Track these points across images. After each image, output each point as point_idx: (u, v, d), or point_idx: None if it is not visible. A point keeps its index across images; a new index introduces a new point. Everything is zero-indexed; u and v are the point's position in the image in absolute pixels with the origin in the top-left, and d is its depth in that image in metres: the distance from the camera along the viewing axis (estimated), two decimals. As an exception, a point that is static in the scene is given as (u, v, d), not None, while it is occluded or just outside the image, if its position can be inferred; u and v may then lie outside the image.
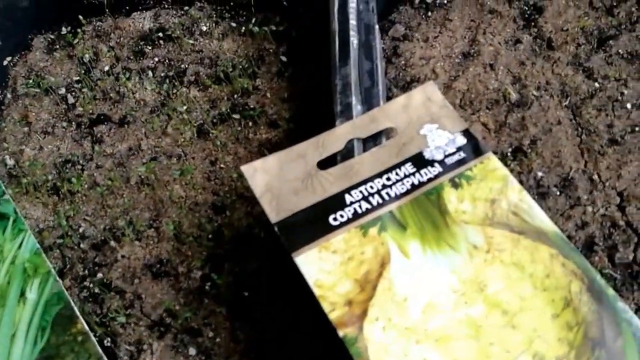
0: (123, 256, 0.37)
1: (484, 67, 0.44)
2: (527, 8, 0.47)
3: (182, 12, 0.47)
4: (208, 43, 0.46)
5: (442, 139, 0.34)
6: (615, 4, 0.47)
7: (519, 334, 0.28)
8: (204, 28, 0.47)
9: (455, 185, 0.33)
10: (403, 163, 0.33)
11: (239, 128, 0.42)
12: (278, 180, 0.32)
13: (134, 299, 0.36)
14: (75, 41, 0.46)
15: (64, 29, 0.47)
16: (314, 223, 0.31)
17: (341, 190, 0.32)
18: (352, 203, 0.32)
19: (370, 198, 0.32)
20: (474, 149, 0.34)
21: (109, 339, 0.34)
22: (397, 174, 0.33)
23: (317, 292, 0.29)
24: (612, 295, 0.30)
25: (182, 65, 0.45)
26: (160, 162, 0.41)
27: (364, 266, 0.30)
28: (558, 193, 0.39)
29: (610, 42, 0.45)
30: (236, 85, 0.43)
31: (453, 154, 0.34)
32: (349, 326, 0.28)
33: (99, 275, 0.37)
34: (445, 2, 0.48)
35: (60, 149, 0.42)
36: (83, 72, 0.45)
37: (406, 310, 0.29)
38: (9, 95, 0.44)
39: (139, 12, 0.47)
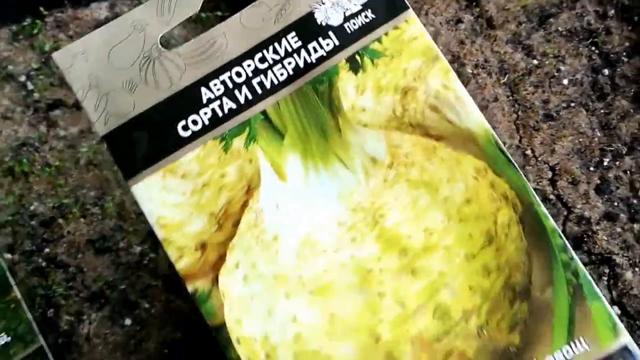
0: (69, 232, 0.39)
1: (424, 47, 0.45)
2: (471, -11, 0.48)
3: (137, 1, 0.49)
4: (161, 30, 0.48)
5: None
6: (557, -18, 0.47)
7: (419, 282, 0.22)
8: (158, 16, 0.48)
9: (355, 67, 0.23)
10: (285, 33, 0.24)
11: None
12: (106, 69, 0.23)
13: (76, 272, 0.38)
14: (36, 31, 0.48)
15: (26, 20, 0.49)
16: (156, 134, 0.23)
17: (195, 81, 0.23)
18: (210, 101, 0.23)
19: (236, 92, 0.23)
20: (388, 5, 0.24)
21: (51, 310, 0.36)
22: (275, 50, 0.23)
23: (160, 234, 0.22)
24: (552, 228, 0.23)
25: (136, 52, 0.47)
26: (109, 144, 0.43)
27: (223, 194, 0.23)
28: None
29: (551, 19, 0.45)
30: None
31: (357, 14, 0.24)
32: (200, 277, 0.22)
33: (46, 250, 0.39)
34: (392, -15, 0.49)
35: (18, 132, 0.44)
36: (43, 60, 0.47)
37: (276, 254, 0.22)
38: (-29, 84, 0.46)
39: (96, 3, 0.49)
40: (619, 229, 0.37)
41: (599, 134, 0.41)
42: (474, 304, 0.22)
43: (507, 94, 0.43)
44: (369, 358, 0.21)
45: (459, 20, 0.46)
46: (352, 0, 0.24)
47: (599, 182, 0.39)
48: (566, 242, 0.23)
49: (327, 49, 0.24)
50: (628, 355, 0.22)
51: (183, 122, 0.23)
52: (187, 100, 0.23)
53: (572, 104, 0.42)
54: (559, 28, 0.45)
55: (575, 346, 0.22)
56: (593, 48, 0.44)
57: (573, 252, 0.23)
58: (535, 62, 0.44)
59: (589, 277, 0.22)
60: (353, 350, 0.22)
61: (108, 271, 0.38)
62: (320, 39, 0.24)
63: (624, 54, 0.43)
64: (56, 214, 0.40)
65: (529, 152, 0.40)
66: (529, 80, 0.43)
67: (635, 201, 0.38)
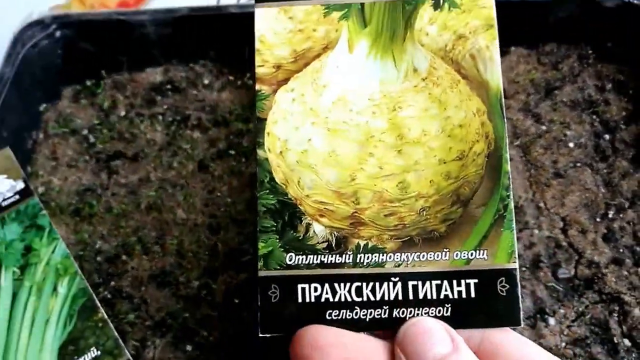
0: (132, 267, 0.43)
1: (446, 113, 0.51)
2: (485, 64, 0.55)
3: (188, 67, 0.55)
4: (209, 94, 0.54)
5: None
6: (559, 60, 0.54)
7: (399, 160, 0.30)
8: (206, 81, 0.54)
9: (437, 5, 0.31)
10: None
11: (234, 163, 0.49)
12: None
13: (140, 303, 0.42)
14: (98, 91, 0.54)
15: (88, 81, 0.55)
16: None
17: None
18: None
19: None
20: None
21: (119, 336, 0.40)
22: None
23: (257, 45, 0.31)
24: (505, 171, 0.30)
25: (187, 112, 0.52)
26: (166, 190, 0.47)
27: (309, 42, 0.31)
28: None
29: (556, 91, 0.52)
30: (232, 128, 0.51)
31: None
32: (266, 84, 0.30)
33: (112, 283, 0.43)
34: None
35: (82, 179, 0.49)
36: (103, 116, 0.53)
37: (320, 96, 0.30)
38: (41, 136, 0.52)
39: (151, 68, 0.55)
40: (625, 272, 0.42)
41: (603, 190, 0.46)
42: (428, 192, 0.30)
43: (520, 154, 0.49)
44: (341, 188, 0.30)
45: (476, 90, 0.52)
46: None
47: (605, 231, 0.44)
48: (510, 184, 0.30)
49: None
50: (511, 277, 0.29)
51: None
52: None
53: (578, 164, 0.48)
54: (564, 99, 0.51)
55: (478, 254, 0.29)
56: (594, 116, 0.51)
57: (512, 193, 0.30)
58: (544, 127, 0.50)
59: (513, 214, 0.30)
60: (335, 177, 0.30)
61: (169, 302, 0.42)
62: None
63: (622, 122, 0.50)
64: (120, 251, 0.44)
65: (541, 204, 0.46)
66: (539, 143, 0.49)
67: (638, 248, 0.43)
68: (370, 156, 0.30)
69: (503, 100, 0.30)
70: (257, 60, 0.30)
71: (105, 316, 0.35)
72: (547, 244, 0.44)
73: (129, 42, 0.53)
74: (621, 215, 0.44)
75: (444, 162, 0.30)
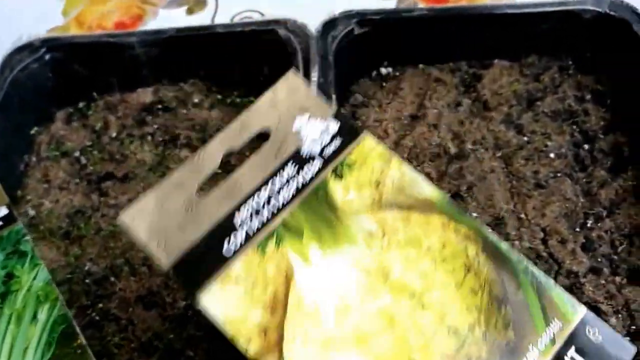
0: (120, 289, 0.44)
1: (428, 127, 0.52)
2: (467, 77, 0.55)
3: (178, 87, 0.56)
4: (199, 112, 0.55)
5: (315, 130, 0.33)
6: (541, 72, 0.55)
7: (429, 313, 0.28)
8: (196, 100, 0.55)
9: (339, 175, 0.32)
10: (284, 165, 0.32)
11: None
12: (160, 219, 0.30)
13: (127, 324, 0.43)
14: (90, 113, 0.56)
15: (80, 103, 0.56)
16: (209, 256, 0.29)
17: (228, 211, 0.30)
18: (242, 223, 0.30)
19: (261, 212, 0.30)
20: (349, 132, 0.33)
21: (105, 358, 0.41)
22: (280, 178, 0.31)
23: (229, 331, 0.28)
24: (506, 249, 0.30)
25: (177, 131, 0.53)
26: (155, 210, 0.48)
27: (269, 287, 0.29)
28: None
29: (538, 102, 0.53)
30: (220, 146, 0.52)
31: (330, 143, 0.33)
32: (269, 355, 0.27)
33: (100, 305, 0.44)
34: (397, 74, 0.56)
35: (73, 201, 0.50)
36: (95, 138, 0.54)
37: (320, 320, 0.28)
38: (33, 159, 0.53)
39: (142, 88, 0.56)
40: (602, 281, 0.42)
41: (582, 200, 0.47)
42: (474, 317, 0.29)
43: (502, 166, 0.49)
44: None
45: (459, 104, 0.53)
46: (324, 135, 0.33)
47: (584, 241, 0.44)
48: (520, 255, 0.30)
49: (316, 168, 0.32)
50: (588, 321, 0.29)
51: (227, 242, 0.30)
52: (225, 226, 0.30)
53: (559, 174, 0.48)
54: (545, 110, 0.52)
55: (553, 326, 0.29)
56: (574, 127, 0.51)
57: (525, 260, 0.30)
58: (525, 138, 0.51)
59: (543, 275, 0.30)
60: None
61: (156, 323, 0.43)
62: (309, 163, 0.32)
63: (600, 131, 0.50)
64: (108, 273, 0.45)
65: (522, 215, 0.46)
66: (520, 155, 0.50)
67: (615, 257, 0.43)
68: (407, 332, 0.28)
69: (451, 200, 0.31)
70: (242, 343, 0.28)
71: (84, 342, 0.36)
72: (528, 255, 0.44)
73: (119, 63, 0.55)
74: (599, 224, 0.45)
75: (460, 284, 0.29)
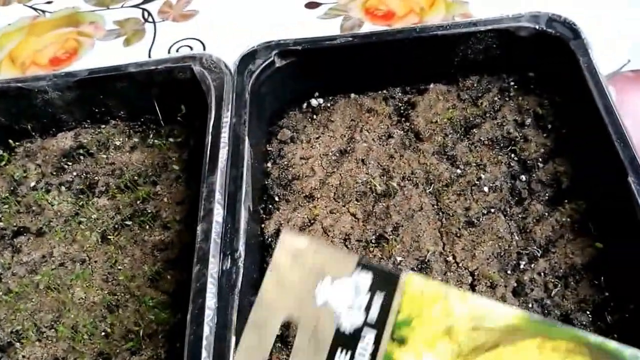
0: (24, 356, 0.42)
1: (356, 163, 0.49)
2: (401, 105, 0.52)
3: (99, 130, 0.54)
4: (120, 156, 0.52)
5: (345, 294, 0.26)
6: (480, 95, 0.51)
7: None
8: (117, 143, 0.53)
9: (400, 341, 0.26)
10: (332, 355, 0.26)
11: (138, 231, 0.47)
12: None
13: (29, 394, 0.40)
14: (4, 163, 0.53)
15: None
16: None
17: None
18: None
19: None
20: (386, 279, 0.26)
21: None
22: None
23: None
24: (614, 347, 0.25)
25: (96, 177, 0.51)
26: (67, 267, 0.46)
27: None
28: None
29: (475, 130, 0.49)
30: (138, 193, 0.49)
31: (370, 303, 0.26)
32: None
33: (2, 374, 0.41)
34: (329, 105, 0.53)
35: (-16, 260, 0.48)
36: (12, 189, 0.52)
37: None
38: (-53, 215, 0.51)
39: (62, 133, 0.54)
40: (532, 333, 0.39)
41: (516, 238, 0.43)
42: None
43: (432, 202, 0.46)
44: None
45: (390, 136, 0.50)
46: (357, 296, 0.26)
47: (515, 285, 0.41)
48: (629, 348, 0.25)
49: (370, 344, 0.26)
50: None
51: None
52: None
53: (492, 210, 0.45)
54: (482, 137, 0.49)
55: None
56: (512, 155, 0.48)
57: (638, 352, 0.25)
58: (458, 171, 0.47)
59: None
60: None
61: (58, 393, 0.40)
62: (361, 341, 0.26)
63: (539, 160, 0.47)
64: (13, 338, 0.43)
65: (450, 258, 0.43)
66: (452, 190, 0.46)
67: (548, 302, 0.40)
68: None
69: (534, 314, 0.26)
70: None
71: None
72: (458, 301, 0.41)
73: (34, 109, 0.52)
74: (532, 266, 0.42)
75: None
